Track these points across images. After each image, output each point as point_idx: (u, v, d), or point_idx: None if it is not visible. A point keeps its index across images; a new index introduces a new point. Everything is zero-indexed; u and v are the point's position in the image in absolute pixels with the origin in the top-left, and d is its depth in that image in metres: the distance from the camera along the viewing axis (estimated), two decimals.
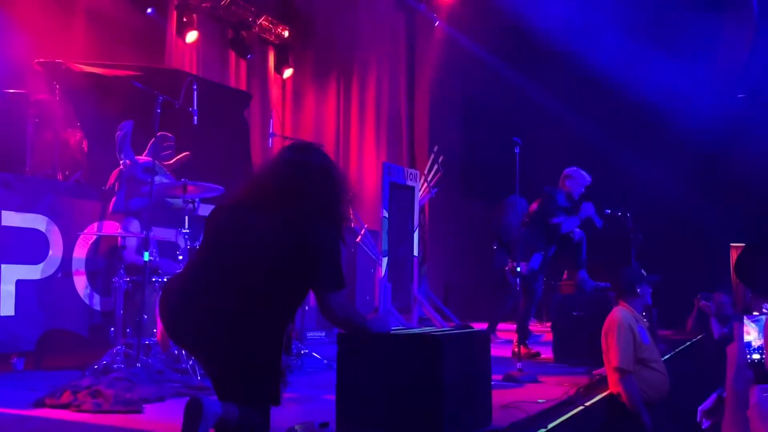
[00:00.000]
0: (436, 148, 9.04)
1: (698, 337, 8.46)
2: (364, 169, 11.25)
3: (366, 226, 8.10)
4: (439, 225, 10.94)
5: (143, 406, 4.07)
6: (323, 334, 8.75)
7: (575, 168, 7.20)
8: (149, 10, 8.66)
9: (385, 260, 7.99)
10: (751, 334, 4.52)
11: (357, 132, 11.44)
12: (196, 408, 2.77)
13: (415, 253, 8.63)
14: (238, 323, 2.94)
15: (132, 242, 5.70)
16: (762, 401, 2.19)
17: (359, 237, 8.10)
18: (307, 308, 7.32)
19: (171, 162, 6.33)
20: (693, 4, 10.40)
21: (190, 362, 4.88)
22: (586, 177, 7.20)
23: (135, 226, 5.72)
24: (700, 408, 3.60)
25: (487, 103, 11.47)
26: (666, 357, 6.27)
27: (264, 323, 2.98)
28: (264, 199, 3.06)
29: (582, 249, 7.15)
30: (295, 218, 3.00)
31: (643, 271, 5.44)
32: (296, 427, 3.35)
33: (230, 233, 3.06)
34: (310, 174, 3.09)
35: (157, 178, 5.78)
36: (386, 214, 8.00)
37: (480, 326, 5.84)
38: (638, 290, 5.18)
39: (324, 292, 3.05)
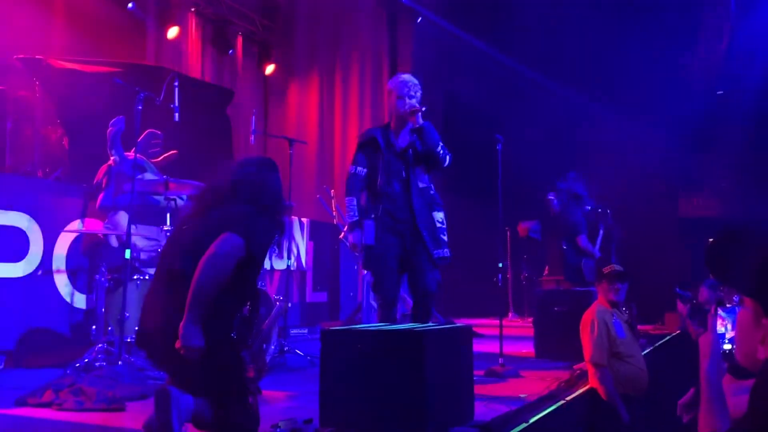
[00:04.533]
0: None
1: (677, 331, 8.55)
2: (347, 166, 11.22)
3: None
4: None
5: (126, 404, 4.05)
6: (306, 330, 8.76)
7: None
8: (130, 5, 8.59)
9: None
10: (723, 326, 4.59)
11: (340, 128, 11.44)
12: (164, 397, 2.78)
13: None
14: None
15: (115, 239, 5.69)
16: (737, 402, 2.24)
17: (342, 234, 8.11)
18: (290, 305, 7.33)
19: (159, 159, 6.30)
20: None
21: None
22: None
23: (124, 219, 5.68)
24: (679, 402, 3.65)
25: (469, 99, 11.50)
26: (645, 351, 6.34)
27: (208, 316, 2.96)
28: (206, 205, 3.24)
29: None
30: (228, 212, 3.13)
31: (619, 266, 5.49)
32: (280, 424, 3.36)
33: (172, 241, 3.26)
34: (247, 181, 3.24)
35: (147, 175, 5.76)
36: None
37: (463, 322, 5.87)
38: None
39: (224, 229, 2.99)
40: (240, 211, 3.13)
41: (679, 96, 10.62)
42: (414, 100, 4.84)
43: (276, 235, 3.25)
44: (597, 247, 7.93)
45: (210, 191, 3.31)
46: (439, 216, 4.76)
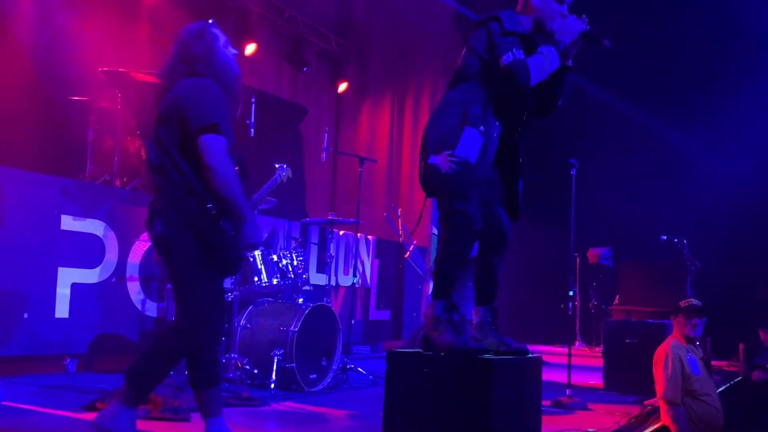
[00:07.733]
0: None
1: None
2: (416, 186, 11.16)
3: (415, 242, 8.08)
4: None
5: (190, 414, 4.09)
6: (368, 348, 8.74)
7: None
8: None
9: None
10: None
11: (409, 149, 11.41)
12: None
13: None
14: (171, 185, 3.11)
15: None
16: None
17: (407, 253, 8.08)
18: (353, 322, 7.32)
19: None
20: None
21: (239, 373, 4.90)
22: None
23: None
24: None
25: (541, 121, 11.33)
26: (720, 389, 6.07)
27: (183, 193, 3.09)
28: (168, 84, 3.36)
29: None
30: (175, 98, 3.21)
31: (696, 300, 5.28)
32: None
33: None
34: (188, 43, 3.49)
35: None
36: (436, 231, 7.97)
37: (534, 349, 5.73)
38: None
39: (195, 133, 3.06)
40: (187, 96, 3.18)
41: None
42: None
43: (227, 101, 3.28)
44: None
45: (167, 74, 3.43)
46: None
